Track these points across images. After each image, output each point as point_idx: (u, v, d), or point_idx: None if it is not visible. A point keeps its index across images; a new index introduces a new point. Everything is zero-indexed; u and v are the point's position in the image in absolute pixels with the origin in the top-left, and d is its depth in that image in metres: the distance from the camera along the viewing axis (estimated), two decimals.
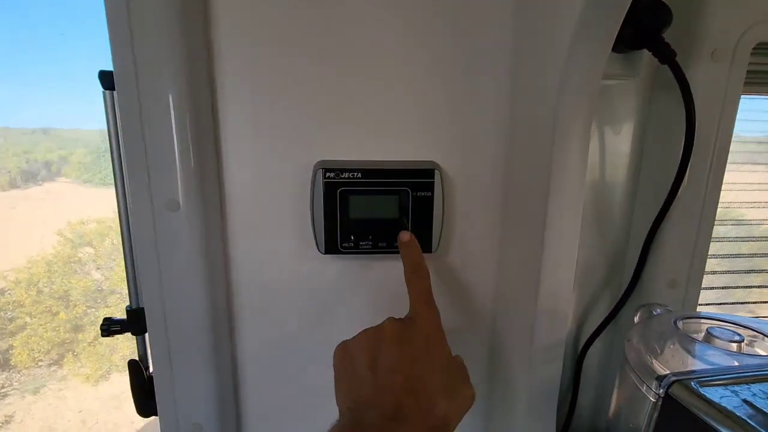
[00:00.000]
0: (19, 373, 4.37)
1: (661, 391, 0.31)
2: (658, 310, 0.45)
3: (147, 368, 0.54)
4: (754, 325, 0.40)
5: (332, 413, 0.36)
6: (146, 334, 0.54)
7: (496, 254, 0.51)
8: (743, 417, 0.27)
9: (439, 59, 0.45)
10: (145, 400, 0.53)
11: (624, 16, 0.34)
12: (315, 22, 0.43)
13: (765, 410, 0.27)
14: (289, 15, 0.43)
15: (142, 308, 0.52)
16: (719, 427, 0.27)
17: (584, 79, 0.36)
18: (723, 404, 0.28)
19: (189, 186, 0.43)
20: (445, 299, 0.52)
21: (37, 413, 4.05)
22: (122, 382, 4.36)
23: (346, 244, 0.47)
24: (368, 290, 0.51)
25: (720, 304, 0.79)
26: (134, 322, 0.51)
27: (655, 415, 0.32)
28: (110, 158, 0.47)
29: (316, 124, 0.46)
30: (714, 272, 0.74)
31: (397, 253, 0.47)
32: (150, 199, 0.42)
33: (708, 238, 0.51)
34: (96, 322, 4.52)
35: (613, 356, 0.59)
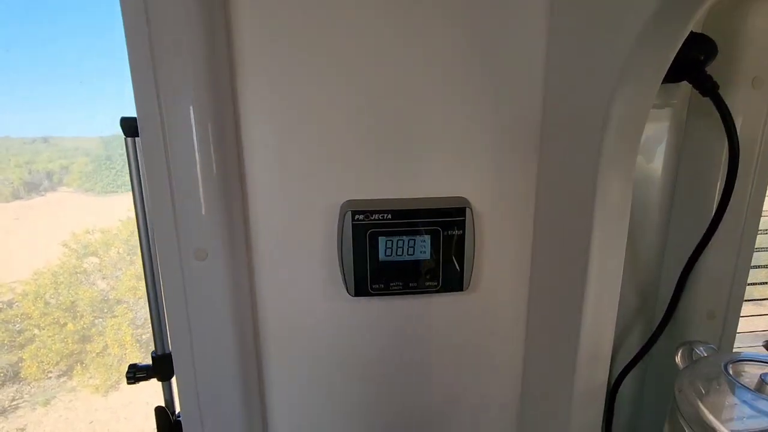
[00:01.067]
0: (29, 386, 4.38)
1: None
2: (701, 349, 0.43)
3: (173, 413, 0.53)
4: None
5: None
6: (172, 380, 0.53)
7: (527, 291, 0.50)
8: None
9: (468, 95, 0.44)
10: None
11: (676, 51, 0.33)
12: (340, 58, 0.42)
13: None
14: (312, 53, 0.41)
15: (169, 354, 0.51)
16: None
17: (631, 116, 0.35)
18: None
19: (216, 235, 0.41)
20: (475, 337, 0.51)
21: (48, 425, 4.06)
22: (132, 391, 4.37)
23: (377, 286, 0.46)
24: (399, 329, 0.50)
25: None
26: (160, 368, 0.50)
27: None
28: (134, 209, 0.45)
29: (342, 163, 0.45)
30: None
31: (431, 292, 0.46)
32: (178, 250, 0.41)
33: (747, 266, 0.50)
34: (104, 333, 4.53)
35: (644, 389, 0.58)
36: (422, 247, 0.46)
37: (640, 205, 0.53)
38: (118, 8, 0.35)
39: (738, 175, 0.43)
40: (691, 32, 0.40)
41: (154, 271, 0.48)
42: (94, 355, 4.44)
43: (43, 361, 4.29)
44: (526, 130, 0.45)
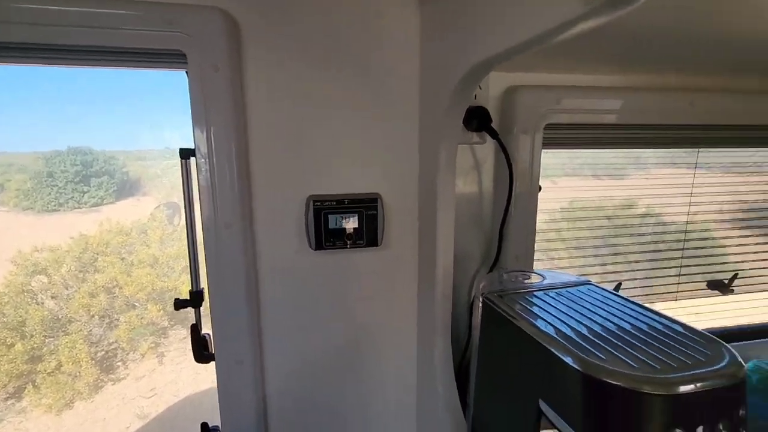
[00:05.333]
0: None
1: (481, 298, 0.67)
2: (503, 272, 0.82)
3: (200, 329, 0.84)
4: (537, 272, 0.78)
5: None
6: (200, 308, 0.84)
7: (416, 244, 0.86)
8: (520, 312, 0.63)
9: (380, 135, 0.80)
10: (200, 351, 0.82)
11: (464, 115, 0.71)
12: (300, 119, 0.77)
13: (526, 307, 0.64)
14: (286, 115, 0.76)
15: (200, 290, 0.82)
16: (506, 313, 0.63)
17: (450, 141, 0.72)
18: (508, 303, 0.64)
19: (236, 214, 0.75)
20: (386, 275, 0.86)
21: None
22: (88, 409, 4.32)
23: (327, 243, 0.81)
24: (340, 269, 0.84)
25: None
26: (195, 299, 0.81)
27: (479, 313, 0.68)
28: (182, 196, 0.77)
29: (310, 172, 0.79)
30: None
31: (359, 247, 0.82)
32: (215, 222, 0.74)
33: (533, 229, 0.89)
34: (56, 351, 4.46)
35: None
36: (354, 221, 0.81)
37: (480, 194, 0.92)
38: None
39: (523, 178, 0.83)
40: (481, 106, 0.79)
41: (194, 238, 0.80)
42: (45, 374, 4.36)
43: None
44: (409, 154, 0.82)
